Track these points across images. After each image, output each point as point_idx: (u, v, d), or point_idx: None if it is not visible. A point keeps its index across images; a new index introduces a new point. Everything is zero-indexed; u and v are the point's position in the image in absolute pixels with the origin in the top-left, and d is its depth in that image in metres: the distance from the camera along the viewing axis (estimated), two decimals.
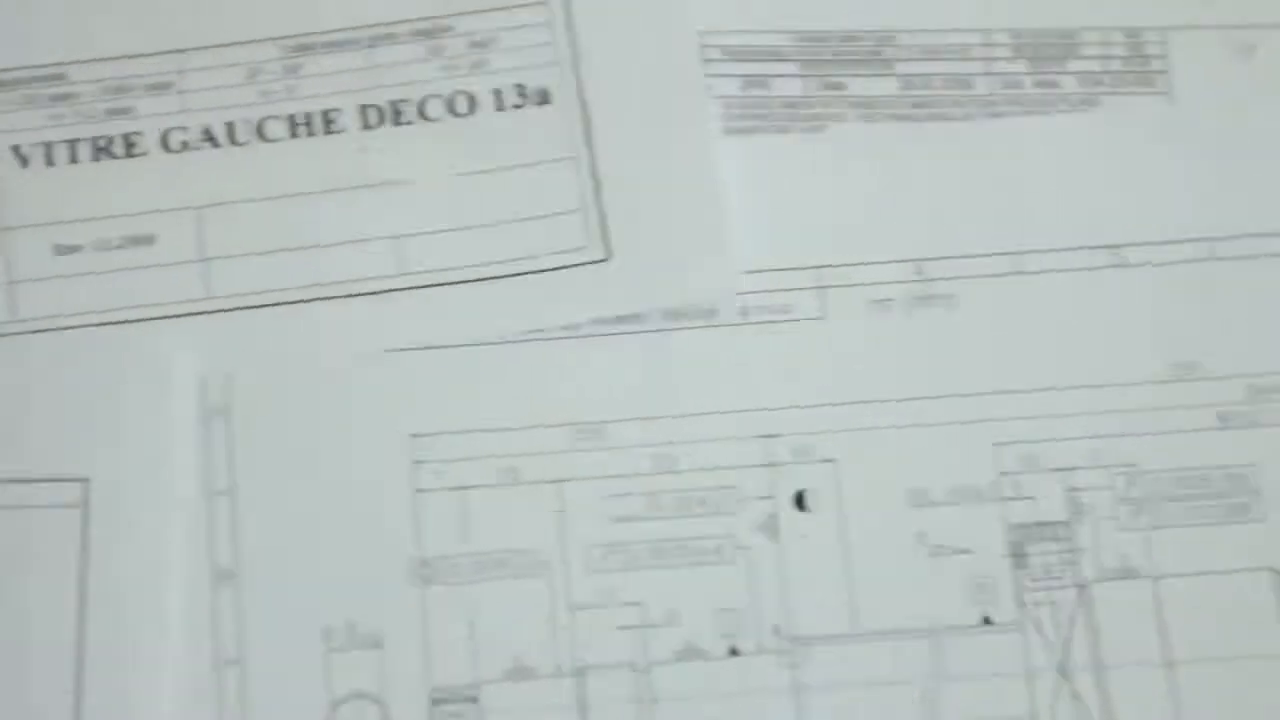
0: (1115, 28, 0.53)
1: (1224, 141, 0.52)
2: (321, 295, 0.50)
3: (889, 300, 0.51)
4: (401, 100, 0.51)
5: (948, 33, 0.52)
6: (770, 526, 0.49)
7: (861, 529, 0.49)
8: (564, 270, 0.50)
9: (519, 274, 0.50)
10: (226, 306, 0.50)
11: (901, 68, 0.52)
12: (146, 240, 0.50)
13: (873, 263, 0.51)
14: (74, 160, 0.50)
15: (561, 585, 0.49)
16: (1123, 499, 0.49)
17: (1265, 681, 0.48)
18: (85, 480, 0.49)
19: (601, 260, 0.50)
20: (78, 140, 0.51)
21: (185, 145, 0.51)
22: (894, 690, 0.48)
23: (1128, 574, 0.49)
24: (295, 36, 0.51)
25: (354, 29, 0.51)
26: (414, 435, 0.49)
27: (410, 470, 0.49)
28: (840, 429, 0.50)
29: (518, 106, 0.51)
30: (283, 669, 0.48)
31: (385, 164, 0.51)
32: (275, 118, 0.51)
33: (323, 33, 0.51)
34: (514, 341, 0.50)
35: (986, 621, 0.49)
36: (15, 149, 0.50)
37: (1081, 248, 0.51)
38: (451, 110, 0.51)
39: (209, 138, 0.51)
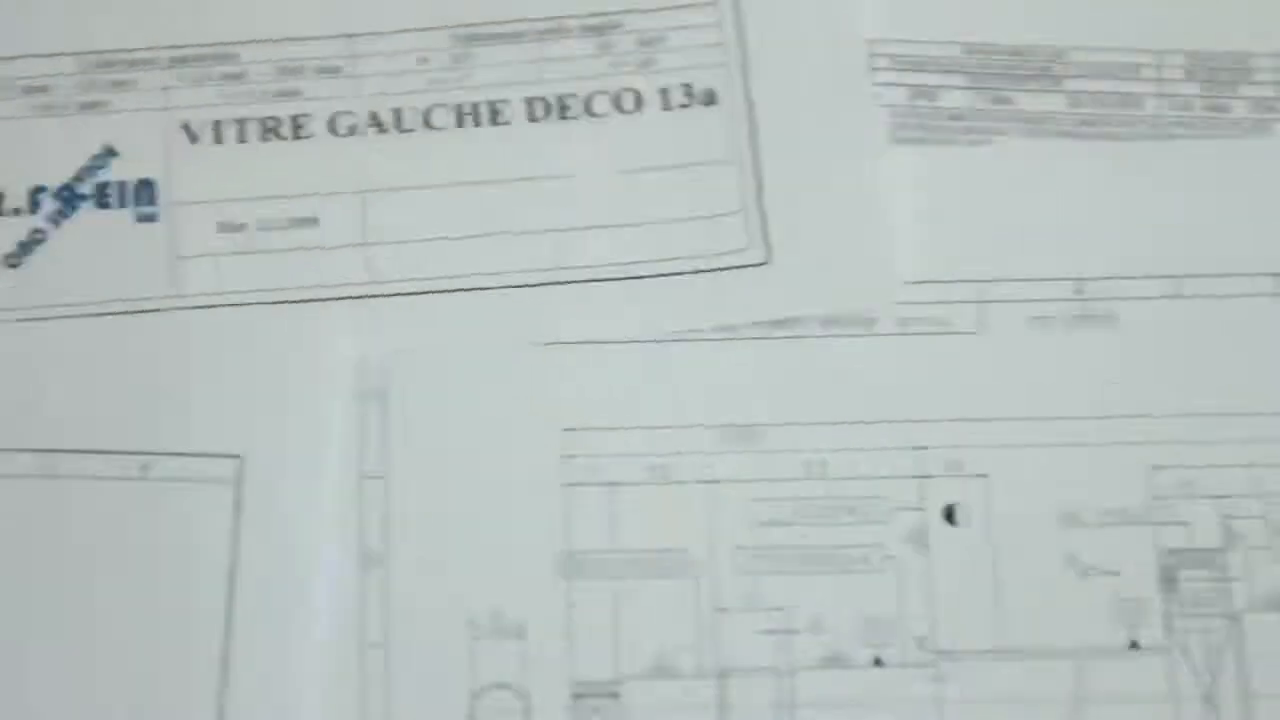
0: None
1: None
2: (481, 285, 0.50)
3: (1048, 318, 0.50)
4: (568, 95, 0.51)
5: (1119, 51, 0.52)
6: (919, 538, 0.49)
7: (1010, 545, 0.49)
8: (723, 272, 0.50)
9: (677, 273, 0.50)
10: (387, 291, 0.50)
11: (1070, 84, 0.52)
12: (310, 222, 0.50)
13: (1033, 279, 0.50)
14: (242, 139, 0.51)
15: (707, 586, 0.49)
16: (1278, 529, 0.49)
17: None
18: (240, 457, 0.49)
19: (761, 264, 0.50)
20: (247, 120, 0.51)
21: (352, 129, 0.51)
22: (1037, 709, 0.48)
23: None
24: (466, 26, 0.52)
25: (525, 21, 0.52)
26: (567, 429, 0.50)
27: (561, 464, 0.49)
28: (993, 445, 0.49)
29: (684, 106, 0.51)
30: (426, 655, 0.48)
31: (549, 157, 0.51)
32: (443, 106, 0.51)
33: (494, 23, 0.52)
34: (669, 340, 0.50)
35: (1133, 645, 0.48)
36: (185, 125, 0.51)
37: (1245, 274, 0.50)
38: (618, 107, 0.51)
39: (376, 123, 0.51)
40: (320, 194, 0.51)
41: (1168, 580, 0.49)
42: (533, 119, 0.51)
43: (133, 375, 0.49)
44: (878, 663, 0.48)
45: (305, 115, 0.51)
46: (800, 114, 0.51)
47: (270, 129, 0.51)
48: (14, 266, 0.50)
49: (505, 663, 0.48)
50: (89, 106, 0.51)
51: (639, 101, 0.51)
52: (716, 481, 0.49)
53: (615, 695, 0.48)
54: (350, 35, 0.51)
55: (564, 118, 0.51)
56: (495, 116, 0.51)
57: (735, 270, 0.50)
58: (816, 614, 0.49)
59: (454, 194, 0.51)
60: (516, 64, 0.51)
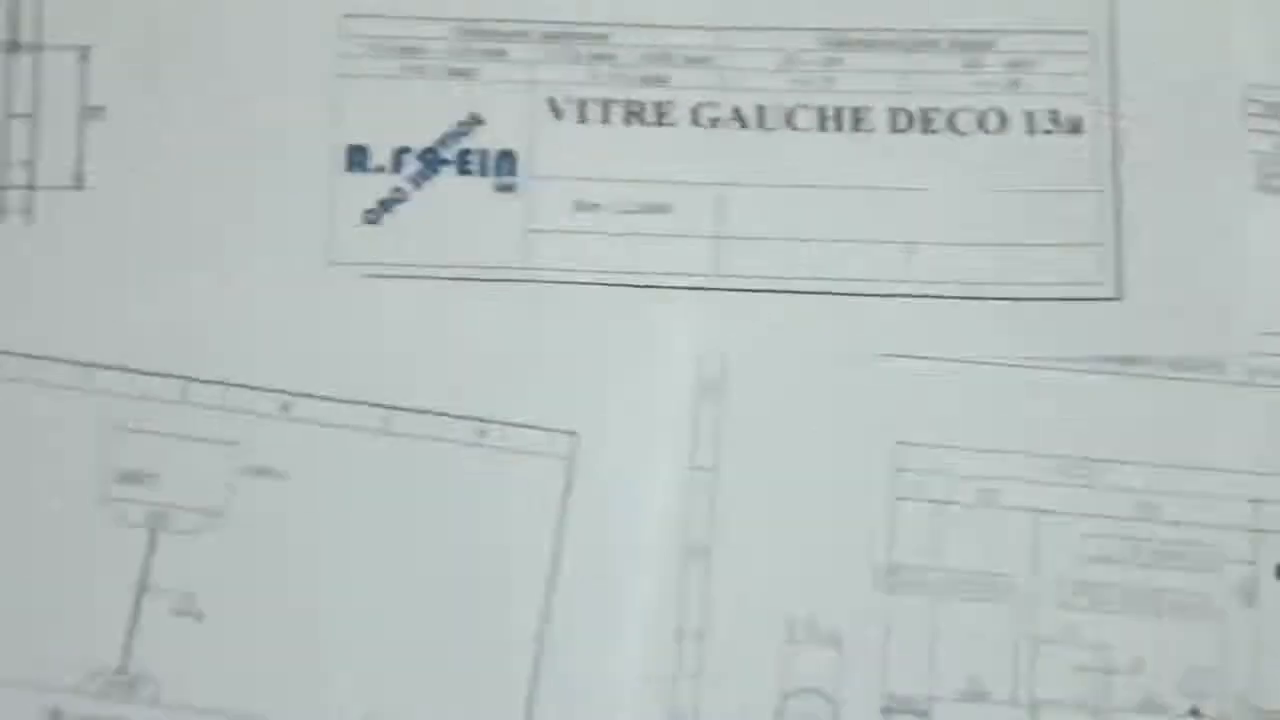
0: None
1: None
2: (828, 290, 0.50)
3: None
4: (933, 109, 0.51)
5: None
6: (1249, 591, 0.48)
7: None
8: (1073, 303, 0.50)
9: (1025, 299, 0.50)
10: (733, 286, 0.50)
11: None
12: (663, 209, 0.51)
13: None
14: (605, 120, 0.51)
15: (1027, 615, 0.49)
16: None
17: None
18: (575, 434, 0.49)
19: (1113, 299, 0.50)
20: (611, 101, 0.51)
21: (715, 122, 0.51)
22: None
23: None
24: (837, 30, 0.51)
25: (896, 31, 0.51)
26: (899, 442, 0.49)
27: (892, 476, 0.49)
28: None
29: (1048, 132, 0.51)
30: (741, 651, 0.48)
31: (908, 169, 0.51)
32: (806, 108, 0.51)
33: (864, 30, 0.51)
34: (1011, 364, 0.50)
35: None
36: (551, 101, 0.51)
37: None
38: (982, 126, 0.51)
39: (738, 117, 0.51)
40: (676, 182, 0.51)
41: None
42: (895, 129, 0.51)
43: (476, 341, 0.50)
44: (1194, 713, 0.48)
45: (669, 103, 0.51)
46: (1167, 151, 0.50)
47: (634, 113, 0.51)
48: (372, 223, 0.51)
49: (818, 668, 0.48)
50: (459, 73, 0.51)
51: (1003, 122, 0.51)
52: (1045, 511, 0.49)
53: (925, 714, 0.48)
54: (721, 28, 0.52)
55: (927, 131, 0.51)
56: (858, 123, 0.51)
57: (1086, 302, 0.50)
58: (1137, 656, 0.48)
59: (809, 196, 0.51)
60: (884, 73, 0.51)
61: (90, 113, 0.51)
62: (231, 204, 0.51)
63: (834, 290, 0.50)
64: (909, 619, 0.49)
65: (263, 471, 0.49)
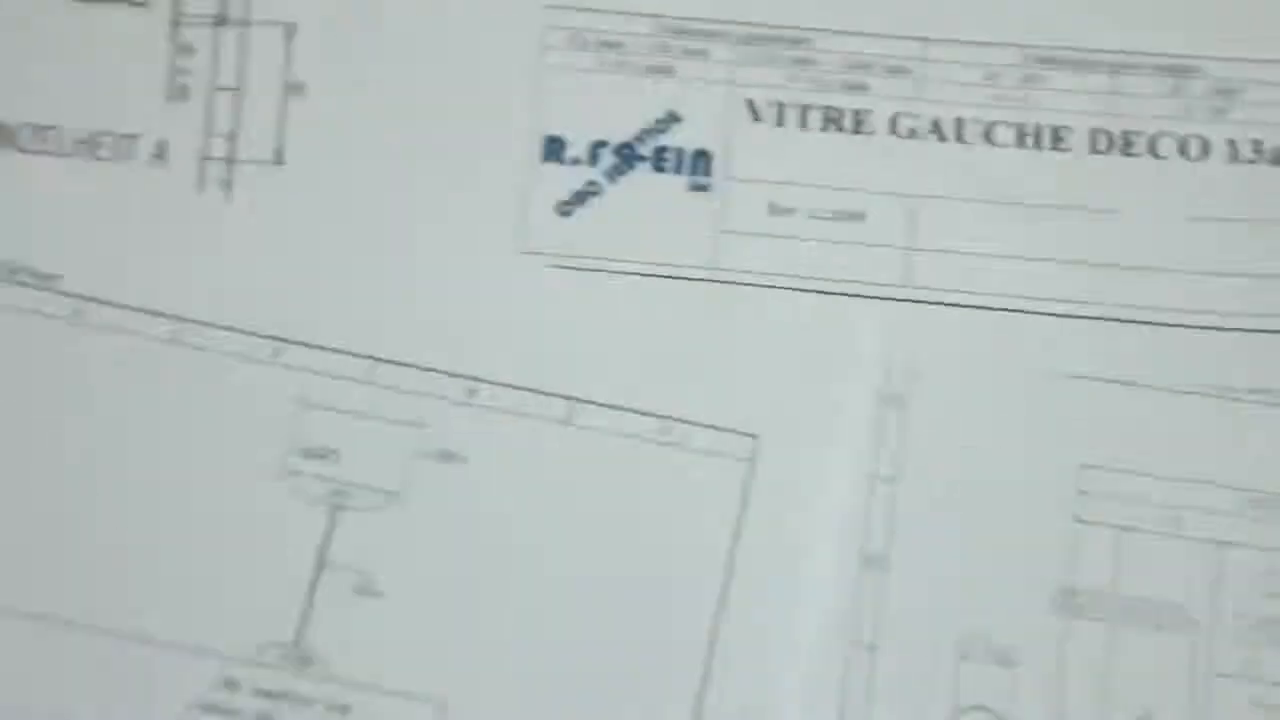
0: None
1: None
2: (1019, 308, 0.50)
3: None
4: (1134, 132, 0.51)
5: None
6: None
7: None
8: (1268, 334, 0.49)
9: (1217, 328, 0.49)
10: (923, 298, 0.50)
11: None
12: (856, 217, 0.50)
13: None
14: (803, 125, 0.51)
15: (1205, 649, 0.48)
16: None
17: None
18: (757, 437, 0.49)
19: None
20: (810, 107, 0.51)
21: (912, 132, 0.51)
22: None
23: None
24: (1040, 48, 0.51)
25: (1100, 52, 0.51)
26: (1083, 465, 0.49)
27: (1074, 498, 0.49)
28: None
29: (1251, 162, 0.50)
30: (913, 664, 0.48)
31: (1105, 191, 0.50)
32: (1005, 124, 0.51)
33: (1068, 49, 0.51)
34: (1200, 393, 0.49)
35: None
36: (750, 103, 0.51)
37: None
38: (1183, 152, 0.51)
39: (936, 130, 0.51)
40: (871, 191, 0.51)
41: None
42: (1095, 150, 0.51)
43: (662, 338, 0.50)
44: None
45: (868, 111, 0.51)
46: None
47: (832, 119, 0.51)
48: (565, 214, 0.51)
49: (990, 687, 0.48)
50: (658, 70, 0.51)
51: (1205, 149, 0.50)
52: (1229, 544, 0.49)
53: None
54: (924, 39, 0.51)
55: (1127, 154, 0.51)
56: (1057, 142, 0.51)
57: (1278, 335, 0.49)
58: None
59: (1005, 212, 0.50)
60: (1086, 94, 0.51)
61: (293, 89, 0.51)
62: (427, 187, 0.51)
63: (1024, 308, 0.50)
64: (1084, 644, 0.48)
65: (445, 455, 0.49)
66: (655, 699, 0.48)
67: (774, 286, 0.50)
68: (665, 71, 0.51)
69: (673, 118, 0.51)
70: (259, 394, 0.49)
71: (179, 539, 0.49)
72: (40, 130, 0.51)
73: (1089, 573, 0.48)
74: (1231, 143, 0.51)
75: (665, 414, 0.50)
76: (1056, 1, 0.51)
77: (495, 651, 0.48)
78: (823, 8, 0.52)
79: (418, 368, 0.50)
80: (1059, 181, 0.51)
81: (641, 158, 0.51)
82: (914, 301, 0.50)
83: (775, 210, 0.51)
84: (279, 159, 0.51)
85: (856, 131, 0.51)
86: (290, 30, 0.51)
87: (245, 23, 0.51)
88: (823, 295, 0.50)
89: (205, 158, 0.51)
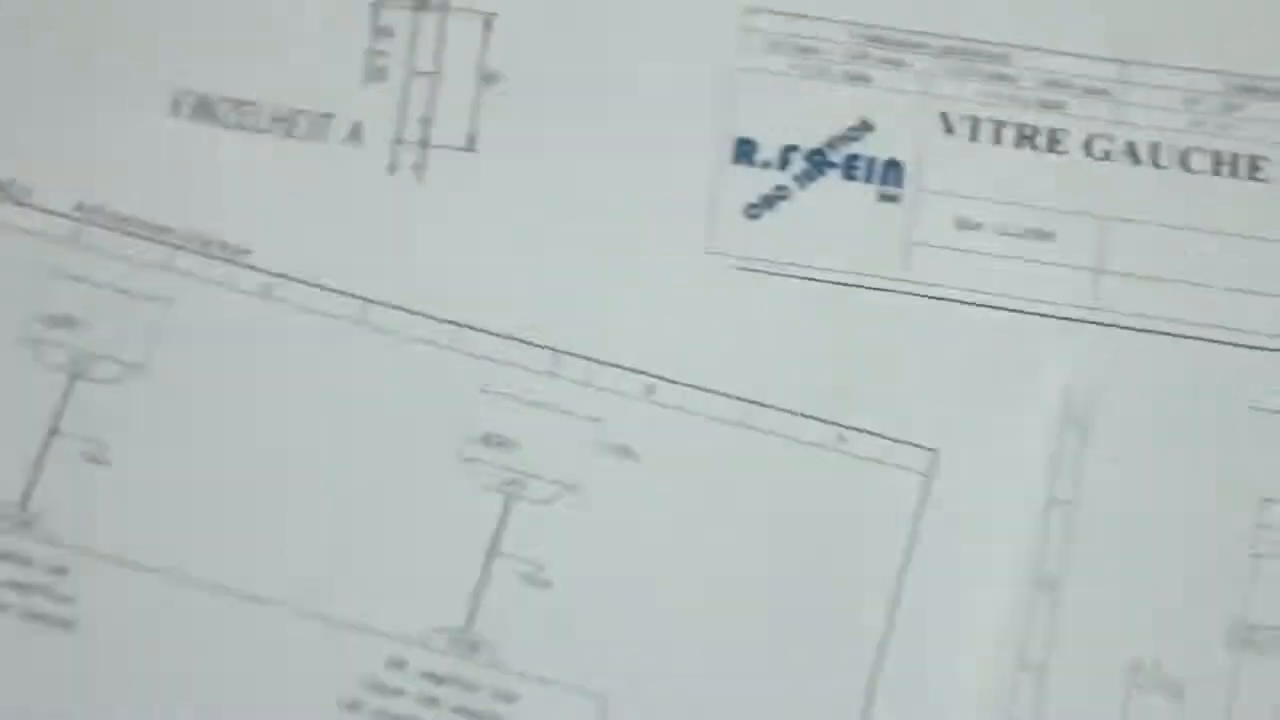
0: None
1: None
2: (1208, 337, 0.49)
3: None
4: None
5: None
6: None
7: None
8: None
9: None
10: (1110, 321, 0.50)
11: None
12: (1046, 236, 0.50)
13: None
14: (997, 141, 0.51)
15: None
16: None
17: None
18: (935, 451, 0.49)
19: None
20: (1005, 123, 0.51)
21: (1107, 155, 0.51)
22: None
23: None
24: (1242, 76, 0.51)
25: None
26: (1266, 499, 0.48)
27: (1254, 532, 0.48)
28: None
29: None
30: (1082, 690, 0.48)
31: None
32: (1201, 150, 0.50)
33: (1271, 79, 0.50)
34: None
35: None
36: (944, 116, 0.51)
37: None
38: None
39: (1131, 153, 0.51)
40: (1061, 210, 0.50)
41: None
42: None
43: (844, 346, 0.50)
44: None
45: (1063, 131, 0.51)
46: None
47: (1026, 136, 0.51)
48: (754, 217, 0.51)
49: (1157, 717, 0.48)
50: (854, 78, 0.51)
51: None
52: None
53: None
54: (1123, 61, 0.51)
55: None
56: (1254, 171, 0.50)
57: None
58: None
59: (1196, 239, 0.50)
60: None
61: (488, 78, 0.51)
62: (616, 182, 0.51)
63: (1212, 337, 0.49)
64: (1258, 681, 0.48)
65: (621, 450, 0.49)
66: (819, 712, 0.48)
67: (959, 301, 0.50)
68: (861, 80, 0.51)
69: (865, 126, 0.51)
70: (440, 379, 0.50)
71: (357, 518, 0.49)
72: (239, 105, 0.51)
73: (1266, 609, 0.48)
74: None
75: (844, 422, 0.50)
76: (1261, 29, 0.51)
77: (660, 651, 0.48)
78: (1023, 25, 0.51)
79: (598, 362, 0.50)
80: (1254, 211, 0.50)
81: (832, 164, 0.51)
82: (1100, 324, 0.50)
83: (963, 225, 0.50)
84: (471, 145, 0.51)
85: (1050, 150, 0.51)
86: (489, 20, 0.51)
87: (445, 8, 0.52)
88: (1008, 313, 0.50)
89: (399, 140, 0.51)
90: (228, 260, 0.50)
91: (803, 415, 0.50)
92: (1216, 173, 0.51)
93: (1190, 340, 0.50)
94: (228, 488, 0.49)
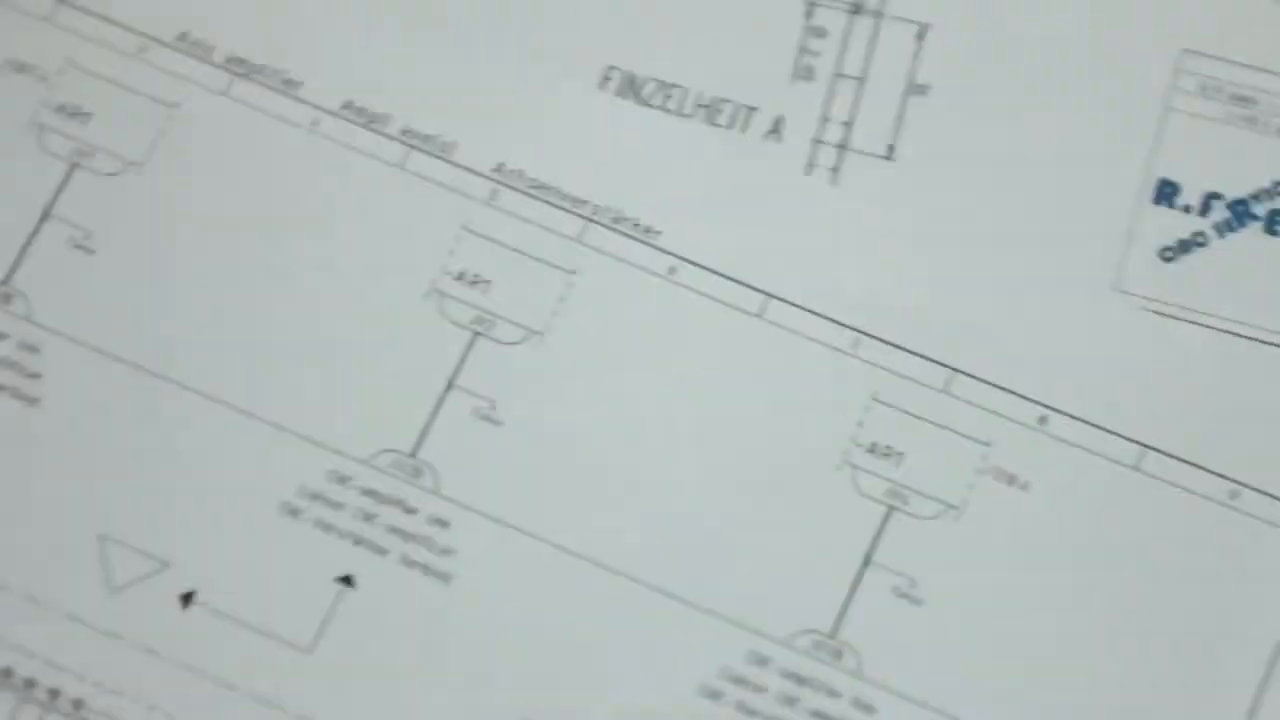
0: None
1: None
2: None
3: None
4: None
5: None
6: None
7: None
8: None
9: None
10: None
11: None
12: None
13: None
14: None
15: None
16: None
17: None
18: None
19: None
20: None
21: None
22: None
23: None
24: None
25: None
26: None
27: None
28: None
29: None
30: None
31: None
32: None
33: None
34: None
35: None
36: None
37: None
38: None
39: None
40: None
41: None
42: None
43: (1246, 401, 0.49)
44: None
45: None
46: None
47: None
48: (1168, 260, 0.50)
49: None
50: None
51: None
52: None
53: None
54: None
55: None
56: None
57: None
58: None
59: None
60: None
61: (915, 89, 0.51)
62: (1030, 209, 0.50)
63: None
64: None
65: (1008, 477, 0.49)
66: None
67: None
68: None
69: None
70: (834, 382, 0.50)
71: (739, 515, 0.49)
72: (665, 87, 0.52)
73: None
74: None
75: (1237, 478, 0.49)
76: None
77: (1022, 683, 0.48)
78: None
79: (993, 385, 0.49)
80: None
81: (1255, 217, 0.50)
82: None
83: None
84: (890, 154, 0.51)
85: None
86: (923, 30, 0.51)
87: (879, 14, 0.52)
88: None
89: (818, 141, 0.51)
90: (638, 239, 0.51)
91: (1195, 465, 0.49)
92: None
93: None
94: (621, 469, 0.49)
